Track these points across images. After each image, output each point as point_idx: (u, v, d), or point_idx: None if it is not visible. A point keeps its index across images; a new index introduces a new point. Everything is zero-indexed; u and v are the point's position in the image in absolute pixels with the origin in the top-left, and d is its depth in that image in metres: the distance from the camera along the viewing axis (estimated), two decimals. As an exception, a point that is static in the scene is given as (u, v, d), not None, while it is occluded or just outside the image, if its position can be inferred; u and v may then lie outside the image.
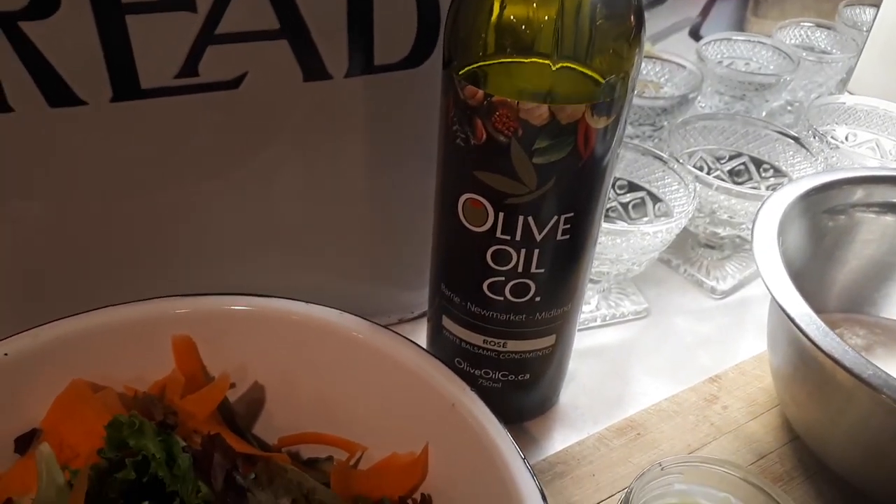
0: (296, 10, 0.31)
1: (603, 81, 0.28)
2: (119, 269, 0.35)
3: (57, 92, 0.29)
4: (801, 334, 0.32)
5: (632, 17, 0.28)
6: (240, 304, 0.32)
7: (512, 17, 0.28)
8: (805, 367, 0.35)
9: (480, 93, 0.28)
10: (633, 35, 0.28)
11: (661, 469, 0.30)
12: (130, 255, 0.35)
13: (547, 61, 0.28)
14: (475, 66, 0.29)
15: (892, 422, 0.32)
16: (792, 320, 0.32)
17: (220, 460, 0.27)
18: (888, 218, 0.41)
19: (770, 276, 0.35)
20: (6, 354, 0.29)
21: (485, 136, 0.29)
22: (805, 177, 0.41)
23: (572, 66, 0.28)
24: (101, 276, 0.34)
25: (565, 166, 0.29)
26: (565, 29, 0.27)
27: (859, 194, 0.40)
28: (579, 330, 0.46)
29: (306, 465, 0.32)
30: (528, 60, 0.28)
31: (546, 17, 0.27)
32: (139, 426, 0.26)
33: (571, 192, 0.30)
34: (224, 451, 0.28)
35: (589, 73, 0.28)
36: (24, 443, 0.29)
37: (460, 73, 0.29)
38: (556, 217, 0.31)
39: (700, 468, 0.30)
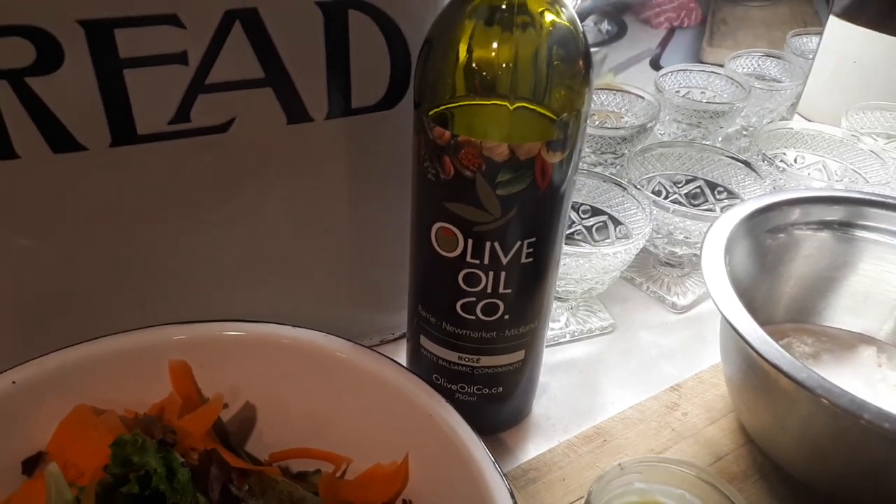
0: (279, 61, 0.34)
1: (557, 119, 0.32)
2: (117, 299, 0.37)
3: (60, 139, 0.32)
4: (746, 345, 0.35)
5: (580, 62, 0.32)
6: (232, 330, 0.35)
7: (473, 64, 0.31)
8: (753, 374, 0.38)
9: (447, 133, 0.31)
10: (582, 77, 0.32)
11: (621, 469, 0.32)
12: (127, 286, 0.37)
13: (505, 102, 0.31)
14: (442, 107, 0.32)
15: (831, 422, 0.35)
16: (737, 331, 0.36)
17: (217, 473, 0.30)
18: (824, 234, 0.45)
19: (717, 292, 0.38)
20: (14, 382, 0.31)
21: (453, 172, 0.32)
22: (748, 200, 0.44)
23: (528, 106, 0.32)
24: (100, 307, 0.37)
25: (525, 196, 0.32)
26: (520, 74, 0.31)
27: (797, 214, 0.44)
28: (550, 345, 0.49)
29: (296, 478, 0.35)
30: (489, 102, 0.32)
31: (503, 64, 0.31)
32: (142, 444, 0.29)
33: (532, 219, 0.33)
34: (220, 465, 0.30)
35: (543, 111, 0.32)
36: (31, 465, 0.32)
37: (429, 114, 0.32)
38: (519, 242, 0.34)
39: (658, 467, 0.33)
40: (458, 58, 0.31)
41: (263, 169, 0.37)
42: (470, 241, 0.34)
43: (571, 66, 0.32)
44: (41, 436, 0.32)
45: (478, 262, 0.34)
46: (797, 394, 0.35)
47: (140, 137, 0.33)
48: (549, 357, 0.48)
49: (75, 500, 0.28)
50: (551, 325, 0.50)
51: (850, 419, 0.32)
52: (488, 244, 0.34)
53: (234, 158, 0.35)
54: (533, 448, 0.41)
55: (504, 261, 0.34)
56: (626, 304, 0.54)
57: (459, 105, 0.32)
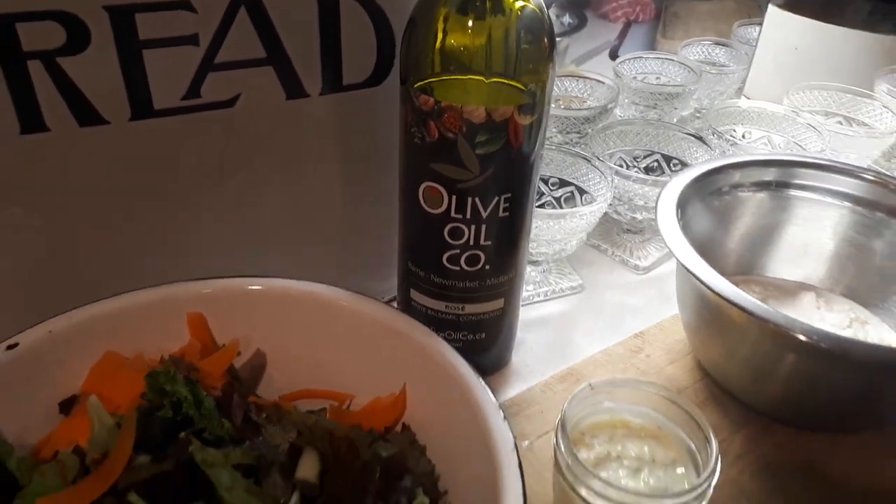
0: (279, 42, 0.38)
1: (525, 89, 0.36)
2: (133, 263, 0.41)
3: (86, 113, 0.35)
4: (699, 283, 0.40)
5: (545, 39, 0.37)
6: (243, 284, 0.39)
7: (451, 44, 0.36)
8: (707, 312, 0.44)
9: (431, 100, 0.36)
10: (546, 53, 0.37)
11: (591, 388, 0.37)
12: (142, 251, 0.41)
13: (481, 77, 0.36)
14: (425, 81, 0.37)
15: (772, 346, 0.40)
16: (691, 273, 0.41)
17: (239, 401, 0.34)
18: (762, 195, 0.50)
19: (672, 240, 0.43)
20: (50, 332, 0.35)
21: (437, 135, 0.36)
22: (695, 165, 0.50)
23: (502, 80, 0.36)
24: (118, 271, 0.40)
25: (501, 155, 0.37)
26: (493, 52, 0.35)
27: (738, 176, 0.50)
28: (525, 304, 0.54)
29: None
30: (467, 77, 0.36)
31: (477, 43, 0.35)
32: (173, 375, 0.33)
33: (508, 176, 0.38)
34: (241, 394, 0.34)
35: (515, 84, 0.36)
36: (68, 405, 0.35)
37: (415, 86, 0.36)
38: (497, 197, 0.38)
39: (625, 387, 0.38)
40: (437, 39, 0.36)
41: (265, 140, 0.41)
42: (454, 198, 0.38)
43: (538, 43, 0.37)
44: (75, 381, 0.36)
45: (461, 216, 0.39)
46: (745, 322, 0.40)
47: (156, 112, 0.37)
48: (524, 315, 0.52)
49: (115, 425, 0.32)
50: (525, 286, 0.54)
51: (788, 336, 0.37)
52: (470, 200, 0.38)
53: (239, 131, 0.40)
54: (513, 389, 0.46)
55: (484, 215, 0.39)
56: (592, 267, 0.59)
57: (441, 79, 0.37)
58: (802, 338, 0.37)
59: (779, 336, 0.39)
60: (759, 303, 0.39)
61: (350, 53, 0.40)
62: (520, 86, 0.36)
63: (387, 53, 0.41)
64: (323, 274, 0.48)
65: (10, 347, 0.34)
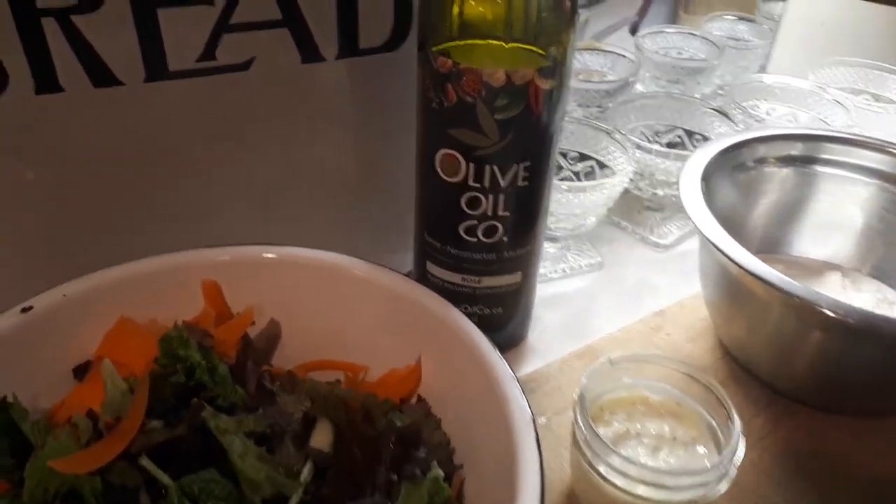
0: (295, 4, 0.37)
1: (546, 53, 0.35)
2: (148, 226, 0.40)
3: (100, 74, 0.35)
4: (723, 257, 0.39)
5: (567, 2, 0.35)
6: (259, 253, 0.38)
7: (471, 6, 0.35)
8: (730, 287, 0.42)
9: (450, 62, 0.35)
10: (568, 16, 0.35)
11: (611, 363, 0.36)
12: (155, 216, 0.40)
13: (500, 42, 0.35)
14: (444, 45, 0.36)
15: (799, 324, 0.39)
16: (713, 244, 0.40)
17: (252, 367, 0.33)
18: (788, 170, 0.49)
19: (694, 212, 0.42)
20: (64, 295, 0.35)
21: (455, 98, 0.35)
22: (719, 139, 0.48)
23: (522, 45, 0.35)
24: (133, 232, 0.40)
25: (521, 121, 0.36)
26: (514, 15, 0.34)
27: (763, 150, 0.48)
28: (542, 281, 0.53)
29: (319, 387, 0.38)
30: (485, 42, 0.35)
31: (498, 5, 0.34)
32: (186, 340, 0.32)
33: (527, 143, 0.37)
34: (255, 361, 0.34)
35: (534, 49, 0.35)
36: (82, 371, 0.35)
37: (433, 49, 0.35)
38: (516, 165, 0.37)
39: (644, 363, 0.37)
40: (455, 1, 0.35)
41: (280, 105, 0.40)
42: (471, 166, 0.37)
43: (559, 6, 0.35)
44: (89, 346, 0.35)
45: (479, 185, 0.38)
46: (769, 297, 0.39)
47: (171, 74, 0.36)
48: (542, 291, 0.52)
49: (128, 389, 0.31)
50: (543, 262, 0.54)
51: (814, 313, 0.36)
52: (488, 168, 0.37)
53: (253, 95, 0.39)
54: (530, 366, 0.45)
55: (502, 184, 0.38)
56: (612, 244, 0.58)
57: (460, 43, 0.36)
58: (829, 313, 0.36)
59: (804, 311, 0.38)
60: (783, 276, 0.38)
61: (367, 17, 0.39)
62: (540, 51, 0.35)
63: (404, 17, 0.40)
64: (337, 244, 0.47)
65: (24, 310, 0.33)
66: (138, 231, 0.40)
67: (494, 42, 0.35)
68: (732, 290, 0.42)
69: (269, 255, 0.38)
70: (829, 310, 0.35)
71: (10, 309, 0.33)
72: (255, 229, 0.41)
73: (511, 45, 0.35)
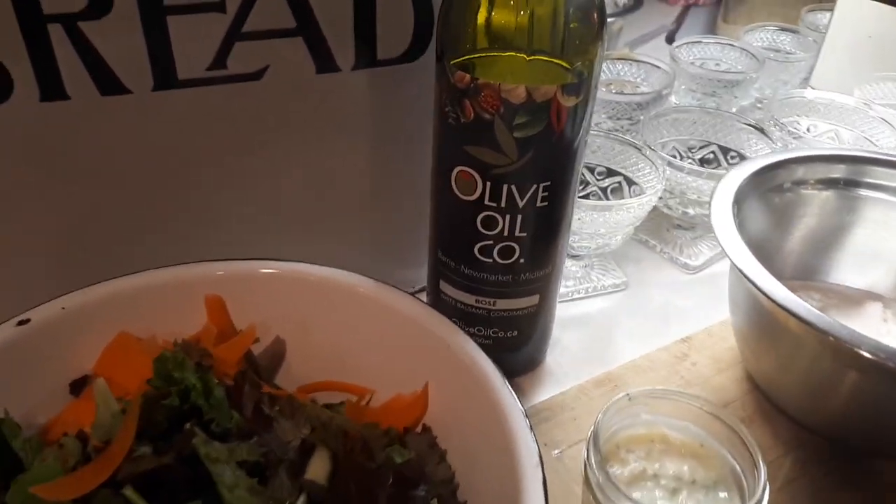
0: (310, 12, 0.36)
1: (571, 67, 0.33)
2: (152, 239, 0.39)
3: (108, 82, 0.34)
4: (754, 288, 0.37)
5: (595, 14, 0.33)
6: (264, 268, 0.37)
7: (492, 18, 0.33)
8: (760, 320, 0.40)
9: (468, 77, 0.33)
10: (596, 29, 0.33)
11: (629, 399, 0.34)
12: (162, 227, 0.39)
13: (522, 54, 0.33)
14: (463, 58, 0.34)
15: (834, 361, 0.37)
16: (746, 276, 0.37)
17: (250, 392, 0.32)
18: (828, 193, 0.46)
19: (726, 240, 0.39)
20: (63, 308, 0.34)
21: (472, 115, 0.34)
22: (755, 158, 0.46)
23: (545, 58, 0.33)
24: (137, 246, 0.39)
25: (542, 140, 0.34)
26: (537, 27, 0.32)
27: (802, 172, 0.45)
28: (563, 301, 0.51)
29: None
30: (507, 54, 0.33)
31: (520, 17, 0.32)
32: (182, 361, 0.31)
33: (548, 163, 0.35)
34: (253, 385, 0.32)
35: (558, 62, 0.33)
36: (78, 386, 0.34)
37: (451, 63, 0.34)
38: (535, 185, 0.35)
39: (664, 399, 0.35)
40: (476, 11, 0.33)
41: (293, 116, 0.39)
42: (488, 185, 0.35)
43: (587, 18, 0.33)
44: (87, 361, 0.34)
45: (495, 205, 0.36)
46: (802, 334, 0.37)
47: (180, 82, 0.35)
48: (563, 312, 0.50)
49: (121, 411, 0.30)
50: (565, 281, 0.52)
51: (851, 353, 0.33)
52: (505, 187, 0.35)
53: (266, 106, 0.38)
54: (546, 392, 0.43)
55: (520, 204, 0.36)
56: (639, 264, 0.55)
57: (479, 56, 0.34)
58: (868, 355, 0.33)
59: (841, 352, 0.35)
60: (818, 313, 0.35)
61: (386, 26, 0.38)
62: (565, 64, 0.33)
63: (425, 27, 0.39)
64: (350, 259, 0.46)
65: (21, 323, 0.33)
66: (143, 243, 0.39)
67: (516, 55, 0.33)
68: (763, 322, 0.40)
69: (275, 271, 0.37)
70: (870, 353, 0.33)
71: (7, 321, 0.32)
72: (264, 244, 0.40)
73: (533, 56, 0.33)
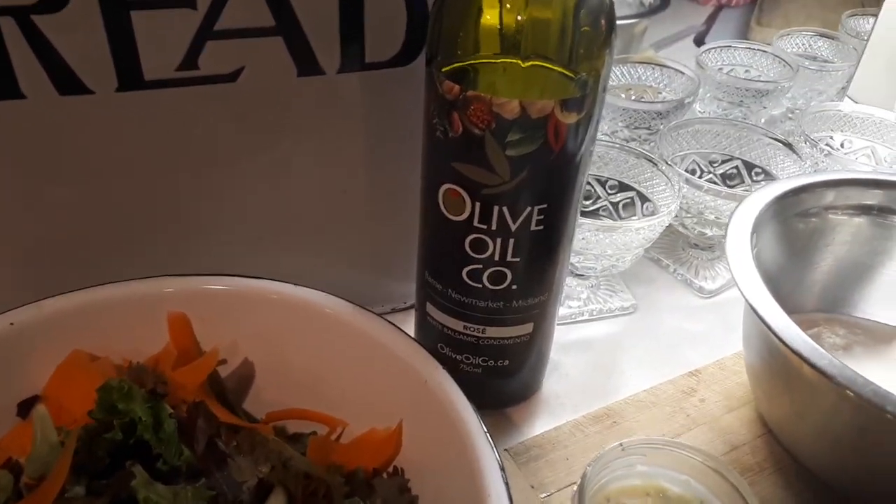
0: (290, 9, 0.33)
1: (574, 77, 0.30)
2: (118, 248, 0.37)
3: (66, 81, 0.31)
4: (766, 328, 0.33)
5: (602, 20, 0.30)
6: (233, 285, 0.34)
7: (486, 21, 0.29)
8: (773, 362, 0.36)
9: (457, 87, 0.30)
10: (602, 37, 0.30)
11: (623, 449, 0.31)
12: (130, 236, 0.37)
13: (517, 59, 0.29)
14: (454, 64, 0.31)
15: (854, 415, 0.33)
16: (756, 312, 0.33)
17: (203, 426, 0.29)
18: (861, 220, 0.42)
19: (740, 273, 0.36)
20: (11, 324, 0.31)
21: (461, 129, 0.30)
22: (780, 180, 0.42)
23: (543, 64, 0.30)
24: (103, 255, 0.37)
25: (537, 159, 0.31)
26: (536, 29, 0.29)
27: (832, 196, 0.41)
28: (566, 323, 0.48)
29: (291, 440, 0.34)
30: (500, 61, 0.30)
31: (517, 21, 0.29)
32: (128, 391, 0.28)
33: (544, 184, 0.32)
34: (207, 418, 0.30)
35: (559, 70, 0.30)
36: (26, 407, 0.32)
37: (442, 70, 0.31)
38: (529, 208, 0.32)
39: (663, 450, 0.32)
40: (469, 10, 0.30)
41: (272, 122, 0.36)
42: (477, 205, 0.32)
43: (593, 24, 0.30)
44: (38, 380, 0.32)
45: (485, 227, 0.33)
46: (819, 383, 0.33)
47: (147, 83, 0.32)
48: (565, 335, 0.47)
49: (59, 444, 0.28)
50: (569, 302, 0.48)
51: (874, 412, 0.30)
52: (496, 209, 0.32)
53: (241, 110, 0.35)
54: (539, 425, 0.40)
55: (513, 227, 0.33)
56: (650, 285, 0.52)
57: (472, 62, 0.31)
58: (894, 414, 0.29)
59: (862, 409, 0.31)
60: (837, 362, 0.31)
61: (375, 26, 0.35)
62: (567, 73, 0.30)
63: (419, 28, 0.35)
64: (336, 272, 0.43)
65: (-34, 339, 0.30)
66: (110, 255, 0.36)
67: (511, 61, 0.30)
68: (776, 364, 0.36)
69: (247, 289, 0.34)
70: (892, 412, 0.29)
71: (-51, 338, 0.30)
72: (243, 257, 0.37)
73: (530, 63, 0.30)
